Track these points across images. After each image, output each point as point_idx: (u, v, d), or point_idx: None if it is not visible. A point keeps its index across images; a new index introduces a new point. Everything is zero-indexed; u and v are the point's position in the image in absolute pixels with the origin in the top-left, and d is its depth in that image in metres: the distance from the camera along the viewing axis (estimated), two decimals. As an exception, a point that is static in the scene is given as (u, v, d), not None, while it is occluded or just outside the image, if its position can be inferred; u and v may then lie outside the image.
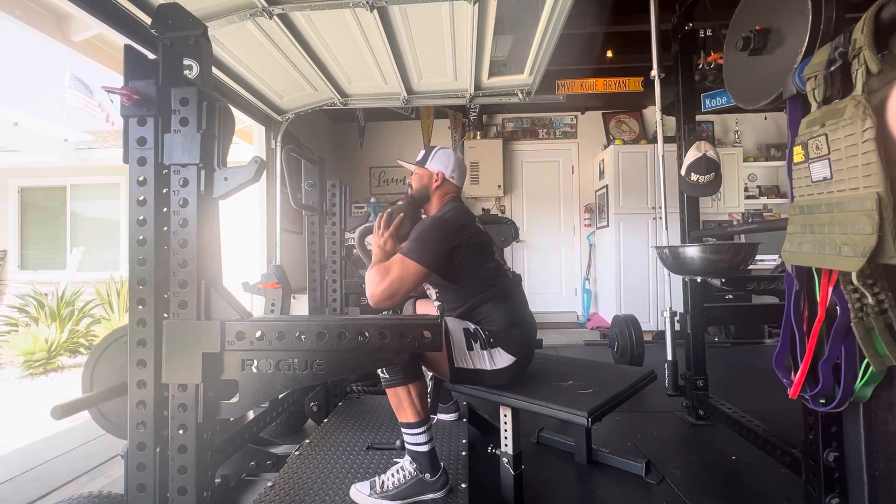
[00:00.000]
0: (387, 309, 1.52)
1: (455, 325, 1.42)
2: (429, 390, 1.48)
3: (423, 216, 1.62)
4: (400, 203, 1.57)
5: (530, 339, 1.50)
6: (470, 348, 1.40)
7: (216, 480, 1.58)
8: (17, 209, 6.12)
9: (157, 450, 0.95)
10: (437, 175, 1.57)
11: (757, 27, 1.44)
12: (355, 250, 3.51)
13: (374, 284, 1.34)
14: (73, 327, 4.44)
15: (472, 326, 1.45)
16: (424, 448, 1.32)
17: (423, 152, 1.63)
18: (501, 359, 1.43)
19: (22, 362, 3.89)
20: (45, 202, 6.15)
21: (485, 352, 1.42)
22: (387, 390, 1.34)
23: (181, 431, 0.94)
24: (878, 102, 0.98)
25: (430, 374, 1.57)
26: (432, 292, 1.58)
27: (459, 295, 1.49)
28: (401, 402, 1.32)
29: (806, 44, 1.23)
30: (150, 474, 0.94)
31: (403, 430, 1.34)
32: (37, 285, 4.84)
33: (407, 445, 1.34)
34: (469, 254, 1.45)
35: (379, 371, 1.31)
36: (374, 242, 1.46)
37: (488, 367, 1.42)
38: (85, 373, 1.24)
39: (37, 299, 4.57)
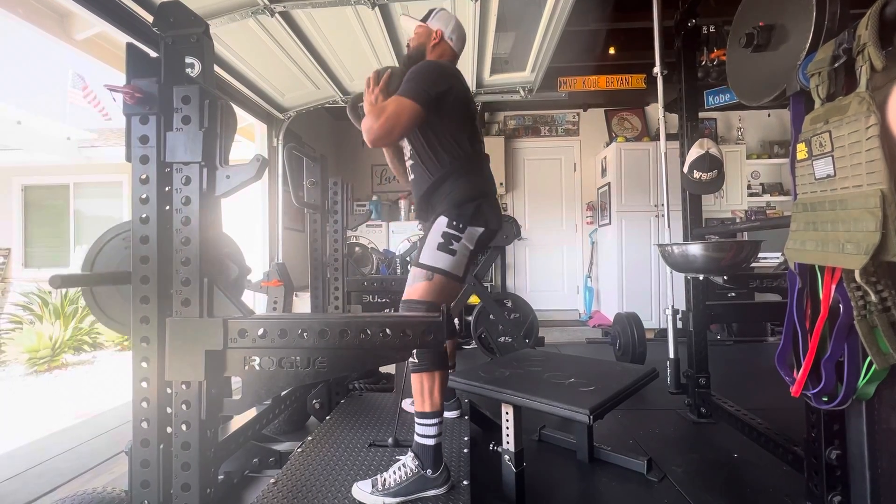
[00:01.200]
0: (385, 146, 1.49)
1: (431, 255, 1.40)
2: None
3: None
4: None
5: (494, 209, 1.50)
6: (454, 253, 1.40)
7: (219, 477, 1.59)
8: (21, 207, 6.15)
9: (161, 446, 0.95)
10: (437, 33, 1.57)
11: (760, 23, 1.43)
12: (357, 248, 3.51)
13: (370, 123, 1.32)
14: (76, 325, 4.46)
15: (439, 234, 1.41)
16: (431, 442, 1.33)
17: (426, 12, 1.63)
18: (474, 233, 1.43)
19: (27, 360, 3.91)
20: (48, 200, 6.18)
21: (462, 240, 1.41)
22: (412, 375, 1.36)
23: (184, 428, 0.95)
24: (883, 99, 0.97)
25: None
26: (406, 153, 1.56)
27: (430, 164, 1.47)
28: (423, 389, 1.34)
29: (810, 40, 1.22)
30: (153, 471, 0.95)
31: (417, 419, 1.35)
32: (41, 283, 4.86)
33: (416, 437, 1.35)
34: (457, 105, 1.45)
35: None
36: (366, 100, 1.44)
37: (472, 247, 1.44)
38: (85, 263, 1.24)
39: (41, 297, 4.59)
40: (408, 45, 1.63)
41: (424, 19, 1.61)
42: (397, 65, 1.61)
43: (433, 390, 1.34)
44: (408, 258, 3.84)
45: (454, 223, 1.41)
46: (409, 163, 1.56)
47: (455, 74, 1.49)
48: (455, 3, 2.08)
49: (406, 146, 1.57)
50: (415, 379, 1.36)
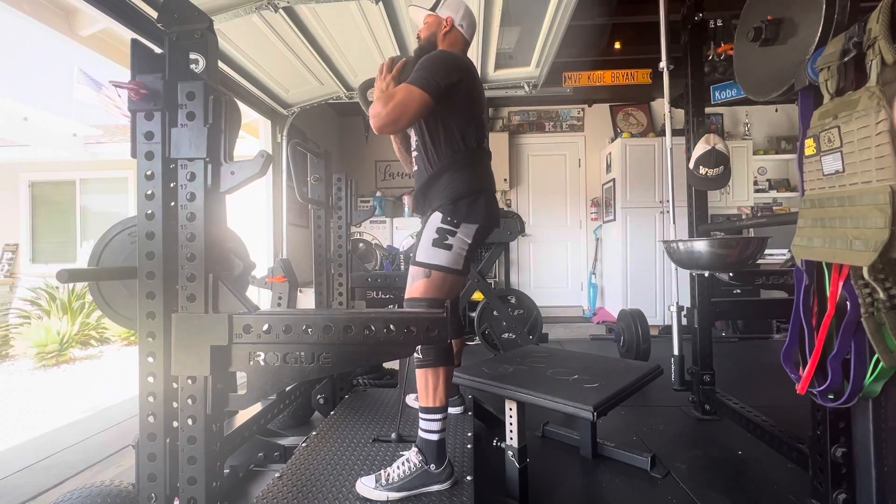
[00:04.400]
0: (391, 133, 1.48)
1: (426, 251, 1.39)
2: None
3: None
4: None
5: (490, 206, 1.49)
6: (450, 248, 1.39)
7: (225, 471, 1.60)
8: (28, 203, 6.20)
9: (167, 440, 0.96)
10: (447, 21, 1.55)
11: (769, 17, 1.41)
12: (361, 244, 3.52)
13: (378, 109, 1.32)
14: (84, 320, 4.51)
15: (433, 230, 1.41)
16: (435, 437, 1.34)
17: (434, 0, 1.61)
18: (468, 230, 1.42)
19: (35, 354, 3.96)
20: (55, 196, 6.23)
21: (457, 235, 1.40)
22: (417, 370, 1.36)
23: (190, 422, 0.96)
24: (893, 94, 0.96)
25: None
26: (412, 142, 1.55)
27: (432, 155, 1.46)
28: (428, 384, 1.35)
29: (819, 34, 1.21)
30: (160, 464, 0.96)
31: (421, 414, 1.36)
32: (48, 279, 4.91)
33: (420, 432, 1.36)
34: (466, 98, 1.44)
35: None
36: (377, 87, 1.44)
37: (469, 241, 1.43)
38: (91, 259, 1.26)
39: (48, 292, 4.64)
40: (418, 37, 1.61)
41: (434, 8, 1.58)
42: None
43: (438, 386, 1.35)
44: (411, 254, 3.84)
45: (448, 218, 1.41)
46: (413, 154, 1.56)
47: (467, 67, 1.48)
48: (459, -3, 2.07)
49: (412, 136, 1.56)
50: (420, 374, 1.36)
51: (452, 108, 1.42)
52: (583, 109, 5.33)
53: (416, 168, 1.55)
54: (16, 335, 4.29)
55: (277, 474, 1.41)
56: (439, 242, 1.39)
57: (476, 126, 1.49)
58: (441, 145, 1.45)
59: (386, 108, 1.31)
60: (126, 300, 1.25)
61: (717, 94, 3.43)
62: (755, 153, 4.86)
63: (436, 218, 1.42)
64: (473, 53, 2.56)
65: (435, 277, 1.38)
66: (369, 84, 1.57)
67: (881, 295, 0.99)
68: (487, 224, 1.47)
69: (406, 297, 1.42)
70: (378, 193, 5.22)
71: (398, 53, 2.52)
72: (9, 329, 4.48)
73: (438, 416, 1.34)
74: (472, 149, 1.47)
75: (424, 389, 1.36)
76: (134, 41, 0.95)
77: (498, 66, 2.84)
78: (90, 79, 5.34)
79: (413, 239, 3.89)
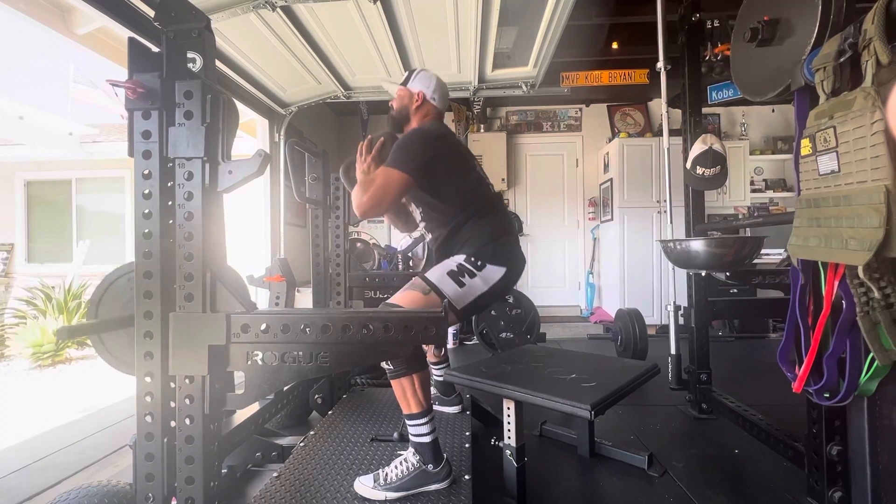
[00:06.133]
0: (377, 216, 1.49)
1: (439, 275, 1.39)
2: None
3: None
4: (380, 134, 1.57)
5: (516, 248, 1.50)
6: (462, 285, 1.39)
7: (223, 470, 1.60)
8: (24, 203, 6.16)
9: (165, 440, 0.96)
10: (418, 95, 1.58)
11: (765, 18, 1.42)
12: (359, 244, 3.52)
13: (360, 195, 1.35)
14: (80, 320, 4.48)
15: (454, 264, 1.41)
16: (427, 439, 1.34)
17: (406, 74, 1.65)
18: (493, 274, 1.42)
19: (30, 354, 3.94)
20: (50, 196, 6.19)
21: (476, 278, 1.40)
22: (392, 381, 1.35)
23: (188, 422, 0.95)
24: (888, 94, 0.97)
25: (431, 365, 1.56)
26: (417, 214, 1.57)
27: (443, 215, 1.48)
28: (405, 393, 1.34)
29: (815, 34, 1.21)
30: (157, 464, 0.96)
31: (407, 421, 1.36)
32: (44, 278, 4.88)
33: (411, 437, 1.36)
34: (450, 165, 1.45)
35: (383, 363, 1.32)
36: (358, 169, 1.47)
37: (486, 289, 1.42)
38: (90, 306, 1.25)
39: (44, 292, 4.61)
40: (391, 107, 1.65)
41: (405, 82, 1.62)
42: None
43: (416, 391, 1.34)
44: (409, 254, 3.84)
45: (472, 259, 1.41)
46: (421, 224, 1.58)
47: (441, 136, 1.49)
48: (457, -3, 2.07)
49: (415, 210, 1.58)
50: (395, 385, 1.35)
51: (440, 178, 1.44)
52: (580, 109, 5.34)
53: (424, 224, 1.56)
54: (11, 335, 4.26)
55: (275, 474, 1.41)
56: (455, 276, 1.39)
57: (473, 178, 1.51)
58: (446, 207, 1.47)
59: (367, 194, 1.34)
60: (129, 348, 1.24)
61: (714, 94, 3.44)
62: (752, 153, 4.88)
63: (459, 257, 1.43)
64: (470, 53, 2.55)
65: (430, 298, 1.36)
66: (351, 164, 1.62)
67: (876, 294, 1.00)
68: (514, 269, 1.46)
69: (390, 300, 1.37)
70: (376, 193, 5.20)
71: (396, 52, 2.52)
72: (4, 329, 4.45)
73: (424, 420, 1.34)
74: (483, 196, 1.49)
75: (403, 398, 1.35)
76: (131, 40, 0.95)
77: (496, 66, 2.84)
78: (86, 77, 5.32)
79: (411, 239, 3.89)
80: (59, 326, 3.98)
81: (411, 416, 1.34)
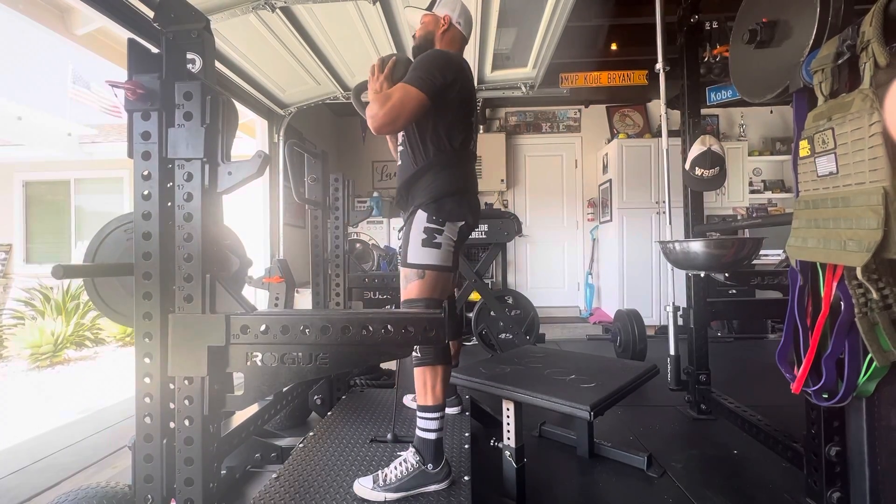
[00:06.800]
0: (389, 133, 1.48)
1: (416, 252, 1.39)
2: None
3: None
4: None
5: (473, 202, 1.51)
6: (438, 245, 1.39)
7: (222, 472, 1.60)
8: (23, 203, 6.15)
9: (164, 441, 0.96)
10: (444, 19, 1.55)
11: (764, 19, 1.43)
12: (358, 244, 3.51)
13: (376, 110, 1.32)
14: (78, 320, 4.47)
15: (421, 228, 1.40)
16: (433, 436, 1.34)
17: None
18: (454, 229, 1.43)
19: (29, 355, 3.93)
20: (49, 196, 6.18)
21: (444, 235, 1.41)
22: (415, 369, 1.37)
23: (187, 423, 0.95)
24: (886, 96, 0.97)
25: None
26: (398, 136, 1.54)
27: (416, 151, 1.45)
28: (426, 383, 1.35)
29: (814, 36, 1.22)
30: (157, 465, 0.96)
31: (419, 413, 1.36)
32: (42, 279, 4.87)
33: (417, 431, 1.36)
34: (457, 100, 1.43)
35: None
36: (370, 88, 1.43)
37: (454, 239, 1.43)
38: (87, 254, 1.25)
39: (42, 293, 4.60)
40: (414, 36, 1.61)
41: (430, 7, 1.59)
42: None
43: (436, 384, 1.35)
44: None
45: (433, 217, 1.41)
46: (399, 148, 1.55)
47: (462, 68, 1.48)
48: (457, -2, 2.07)
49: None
50: (418, 373, 1.37)
51: (444, 108, 1.42)
52: (579, 110, 5.35)
53: (400, 163, 1.54)
54: (9, 336, 4.25)
55: (275, 475, 1.40)
56: (429, 242, 1.39)
57: (464, 128, 1.49)
58: (427, 143, 1.44)
59: (383, 108, 1.31)
60: (123, 297, 1.24)
61: (712, 95, 3.44)
62: (750, 154, 4.89)
63: (421, 217, 1.42)
64: (470, 54, 2.56)
65: (429, 277, 1.38)
66: (363, 87, 1.57)
67: (874, 295, 1.00)
68: (472, 222, 1.48)
69: (402, 299, 1.42)
70: (375, 194, 5.21)
71: (394, 52, 2.52)
72: (2, 330, 4.44)
73: (436, 415, 1.35)
74: (456, 149, 1.47)
75: (423, 388, 1.36)
76: (131, 41, 0.95)
77: (495, 67, 2.85)
78: (84, 78, 5.31)
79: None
80: (56, 328, 3.97)
81: (424, 409, 1.35)
